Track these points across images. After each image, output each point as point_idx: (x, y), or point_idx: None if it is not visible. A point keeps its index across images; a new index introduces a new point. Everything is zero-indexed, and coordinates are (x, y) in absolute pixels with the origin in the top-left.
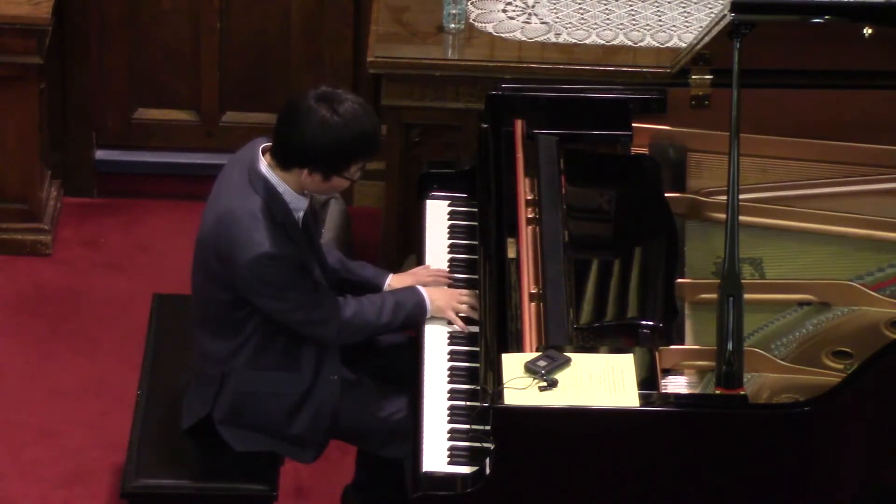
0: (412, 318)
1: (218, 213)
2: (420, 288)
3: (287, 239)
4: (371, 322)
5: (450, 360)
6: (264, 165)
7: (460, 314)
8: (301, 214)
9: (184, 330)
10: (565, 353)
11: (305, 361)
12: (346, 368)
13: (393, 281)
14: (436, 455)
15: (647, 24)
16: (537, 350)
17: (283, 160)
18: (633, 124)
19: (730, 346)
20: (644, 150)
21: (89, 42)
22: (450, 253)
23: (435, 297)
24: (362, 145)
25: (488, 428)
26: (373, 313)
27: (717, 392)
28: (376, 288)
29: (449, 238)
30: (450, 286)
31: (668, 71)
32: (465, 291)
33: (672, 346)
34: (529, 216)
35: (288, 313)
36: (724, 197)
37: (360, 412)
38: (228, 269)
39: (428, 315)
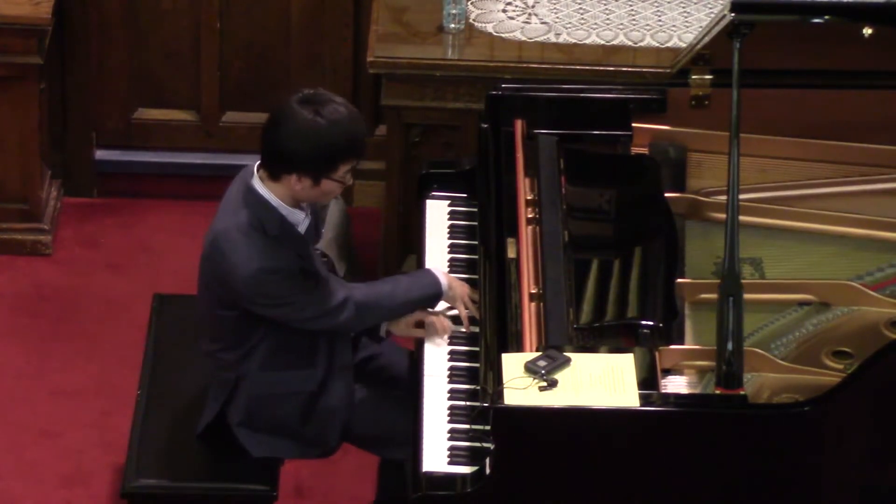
0: (427, 297)
1: (213, 236)
2: (435, 270)
3: (282, 249)
4: (382, 302)
5: (450, 360)
6: (257, 181)
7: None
8: (303, 228)
9: (184, 330)
10: (565, 353)
11: (319, 356)
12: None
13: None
14: (436, 455)
15: (647, 24)
16: (537, 350)
17: (271, 170)
18: (633, 124)
19: (730, 346)
20: (644, 150)
21: (89, 42)
22: (450, 253)
23: (453, 283)
24: (348, 145)
25: (488, 428)
26: (385, 292)
27: (717, 392)
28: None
29: (449, 238)
30: None
31: (668, 71)
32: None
33: (672, 346)
34: (529, 216)
35: (299, 313)
36: (724, 197)
37: (364, 414)
38: (228, 288)
39: (445, 294)
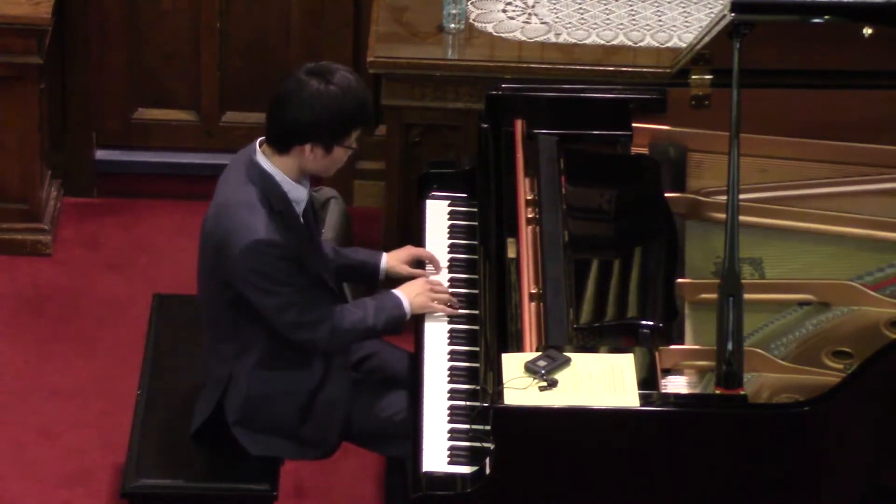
0: (393, 319)
1: (216, 207)
2: (396, 291)
3: (284, 228)
4: (357, 327)
5: (450, 360)
6: (260, 156)
7: (440, 303)
8: (301, 208)
9: (184, 330)
10: (565, 353)
11: (317, 356)
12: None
13: (389, 258)
14: (436, 455)
15: (647, 24)
16: (537, 350)
17: (281, 143)
18: (633, 124)
19: (730, 346)
20: (644, 150)
21: (89, 42)
22: (450, 253)
23: (411, 295)
24: (360, 110)
25: (488, 428)
26: (357, 317)
27: (717, 392)
28: (374, 267)
29: (449, 238)
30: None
31: (668, 71)
32: (436, 280)
33: (672, 346)
34: (529, 216)
35: (280, 312)
36: (724, 197)
37: (362, 411)
38: (225, 259)
39: (408, 315)
